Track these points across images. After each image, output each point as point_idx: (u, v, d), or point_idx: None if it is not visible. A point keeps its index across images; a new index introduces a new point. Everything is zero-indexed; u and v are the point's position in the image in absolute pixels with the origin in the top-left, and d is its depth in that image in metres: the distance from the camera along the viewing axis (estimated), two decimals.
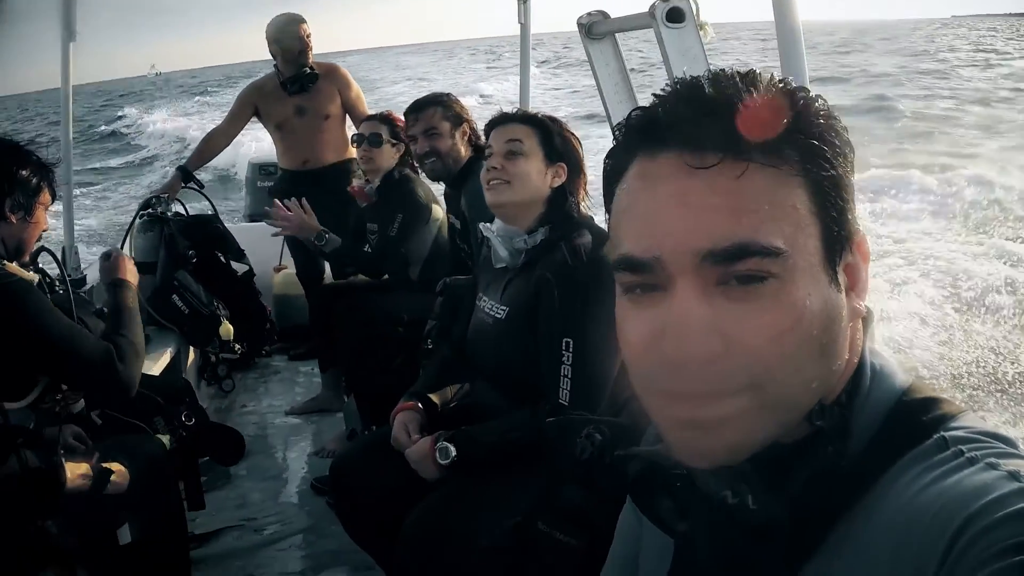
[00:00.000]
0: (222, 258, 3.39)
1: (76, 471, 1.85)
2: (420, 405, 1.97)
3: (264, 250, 4.00)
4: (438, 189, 3.13)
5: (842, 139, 0.62)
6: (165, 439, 2.25)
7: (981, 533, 0.50)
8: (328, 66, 3.91)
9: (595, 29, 2.23)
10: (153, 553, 2.07)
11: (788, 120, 0.59)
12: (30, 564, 1.78)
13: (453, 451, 1.74)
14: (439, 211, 3.15)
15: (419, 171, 3.04)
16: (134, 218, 3.33)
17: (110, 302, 2.20)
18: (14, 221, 1.99)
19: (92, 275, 3.21)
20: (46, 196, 2.08)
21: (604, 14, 2.35)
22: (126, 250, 3.18)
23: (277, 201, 3.01)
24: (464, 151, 2.79)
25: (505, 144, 1.88)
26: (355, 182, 3.28)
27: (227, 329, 3.21)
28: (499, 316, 1.89)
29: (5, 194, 1.97)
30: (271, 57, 3.80)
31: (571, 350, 1.70)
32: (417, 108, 2.83)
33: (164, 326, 3.14)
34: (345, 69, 3.95)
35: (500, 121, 1.96)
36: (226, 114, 3.95)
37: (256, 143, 8.06)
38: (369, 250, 3.19)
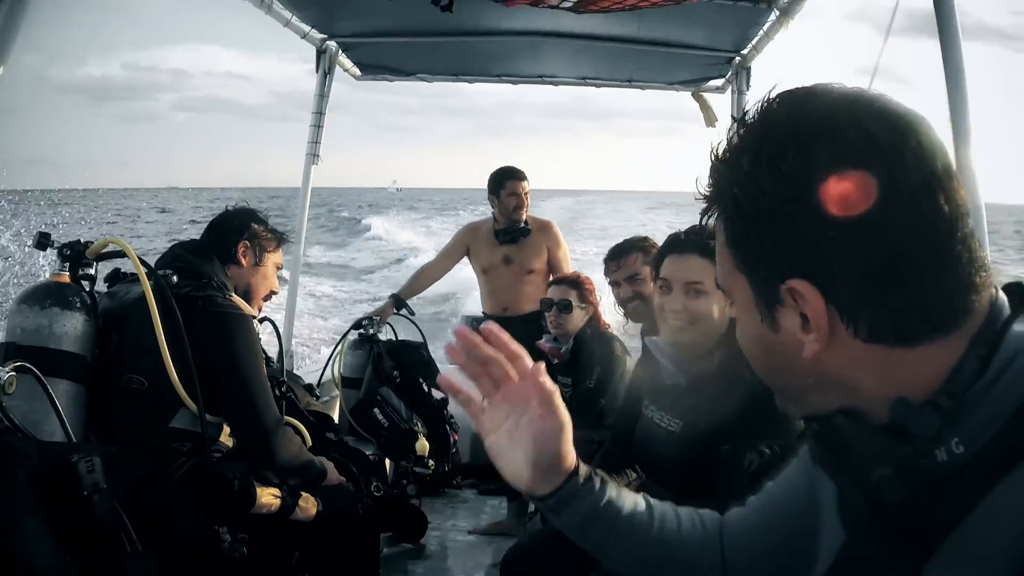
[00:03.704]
0: (424, 385, 3.56)
1: (267, 491, 1.96)
2: None
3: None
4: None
5: None
6: None
7: None
8: (542, 222, 4.08)
9: None
10: None
11: None
12: (194, 562, 1.85)
13: None
14: (631, 363, 3.16)
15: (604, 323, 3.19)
16: (345, 334, 3.61)
17: None
18: (244, 264, 2.19)
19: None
20: (277, 254, 2.29)
21: None
22: (335, 366, 3.46)
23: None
24: None
25: (685, 284, 1.88)
26: (545, 340, 3.27)
27: (423, 445, 3.30)
28: (672, 429, 1.89)
29: (240, 240, 2.19)
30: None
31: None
32: (618, 254, 2.91)
33: (362, 436, 3.27)
34: (557, 228, 4.08)
35: (675, 250, 1.94)
36: (441, 249, 4.20)
37: None
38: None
